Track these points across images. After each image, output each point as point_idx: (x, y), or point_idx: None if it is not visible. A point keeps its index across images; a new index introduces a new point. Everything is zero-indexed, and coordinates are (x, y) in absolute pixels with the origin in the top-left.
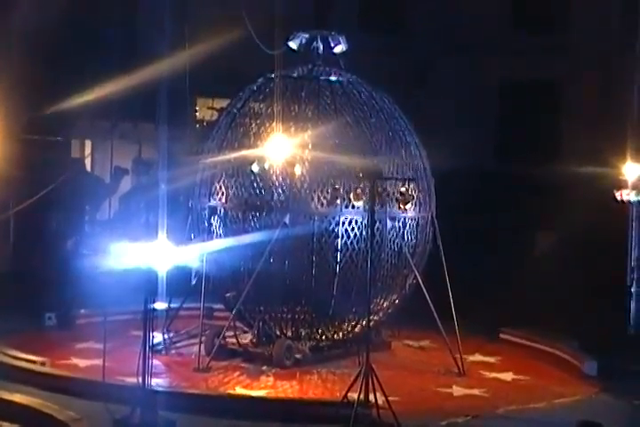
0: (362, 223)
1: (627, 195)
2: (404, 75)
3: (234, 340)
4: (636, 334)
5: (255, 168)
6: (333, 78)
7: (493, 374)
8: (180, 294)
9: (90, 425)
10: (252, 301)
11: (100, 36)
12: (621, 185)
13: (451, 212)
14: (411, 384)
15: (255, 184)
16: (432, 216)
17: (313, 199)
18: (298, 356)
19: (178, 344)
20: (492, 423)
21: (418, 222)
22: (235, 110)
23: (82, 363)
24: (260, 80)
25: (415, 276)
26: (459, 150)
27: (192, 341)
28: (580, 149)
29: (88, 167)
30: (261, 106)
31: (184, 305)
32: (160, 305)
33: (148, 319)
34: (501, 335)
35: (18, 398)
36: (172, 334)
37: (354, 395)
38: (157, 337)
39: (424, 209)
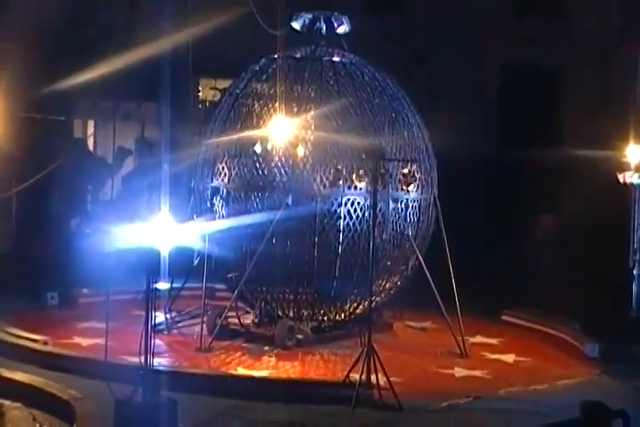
0: (364, 204)
1: (629, 177)
2: (404, 56)
3: (236, 320)
4: (637, 316)
5: (258, 149)
6: (336, 59)
7: (495, 356)
8: (182, 274)
9: (91, 404)
10: (254, 281)
11: (102, 14)
12: (624, 168)
13: (452, 195)
14: (412, 365)
15: (257, 165)
16: (434, 197)
17: (315, 180)
18: (300, 336)
19: (180, 324)
20: (494, 405)
21: (420, 204)
22: (237, 91)
23: (84, 342)
24: (263, 61)
25: (417, 257)
26: (459, 135)
27: (194, 321)
28: (582, 133)
29: (90, 147)
30: (264, 86)
31: (186, 285)
32: (162, 285)
33: (151, 299)
34: (503, 317)
35: (20, 376)
36: (174, 314)
37: (355, 376)
38: (159, 317)
39: (426, 190)
